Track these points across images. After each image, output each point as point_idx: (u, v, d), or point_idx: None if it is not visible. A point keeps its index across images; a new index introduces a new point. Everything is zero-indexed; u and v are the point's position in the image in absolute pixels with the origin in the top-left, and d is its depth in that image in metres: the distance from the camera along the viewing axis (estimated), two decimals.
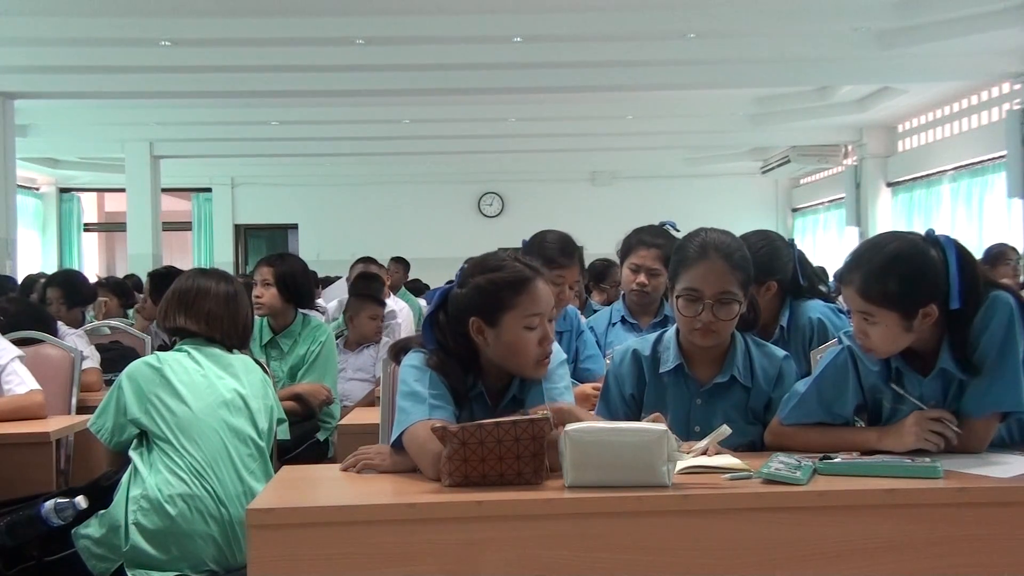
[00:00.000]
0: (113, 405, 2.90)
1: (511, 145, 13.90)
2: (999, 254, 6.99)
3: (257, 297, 4.16)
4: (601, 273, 6.18)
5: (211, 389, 2.92)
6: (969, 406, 2.24)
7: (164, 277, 4.92)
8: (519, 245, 3.39)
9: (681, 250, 2.53)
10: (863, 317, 2.24)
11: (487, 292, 2.28)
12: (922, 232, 2.29)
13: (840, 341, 2.45)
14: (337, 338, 5.19)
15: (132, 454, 2.88)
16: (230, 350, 3.09)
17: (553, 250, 3.35)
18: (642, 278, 3.61)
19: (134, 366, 2.96)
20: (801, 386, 2.41)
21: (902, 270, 2.20)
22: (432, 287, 11.21)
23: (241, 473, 2.87)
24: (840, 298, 2.65)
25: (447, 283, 2.42)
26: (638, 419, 2.50)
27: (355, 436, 3.32)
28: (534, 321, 2.27)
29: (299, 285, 4.31)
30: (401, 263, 9.42)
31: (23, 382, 3.68)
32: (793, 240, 3.38)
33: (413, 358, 2.35)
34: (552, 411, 2.15)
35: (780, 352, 2.55)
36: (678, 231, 3.48)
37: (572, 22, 8.17)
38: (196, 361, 2.97)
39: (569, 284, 3.41)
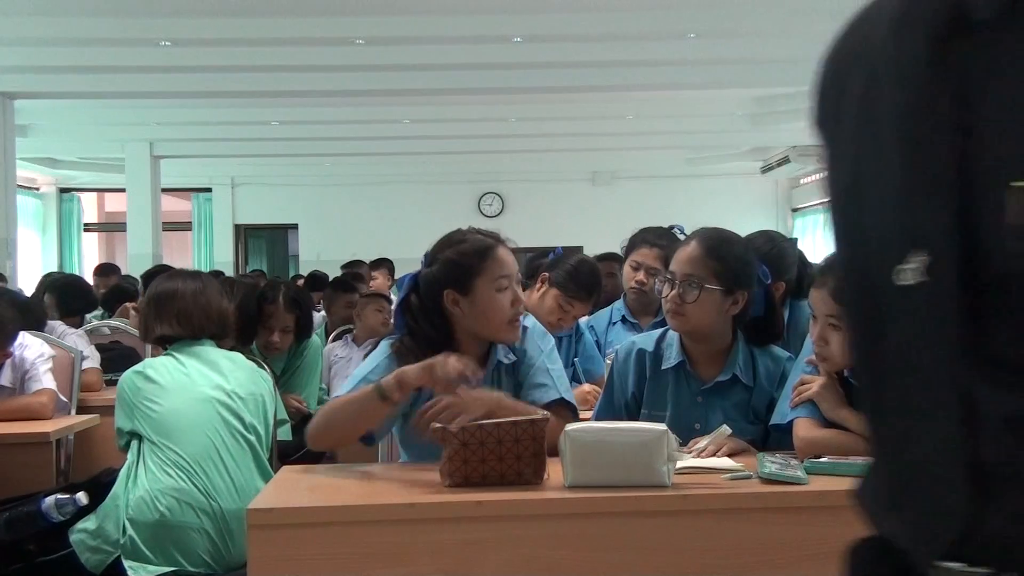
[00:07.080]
0: (117, 416, 2.98)
1: (511, 145, 13.87)
2: None
3: (275, 342, 4.09)
4: None
5: (191, 386, 2.97)
6: None
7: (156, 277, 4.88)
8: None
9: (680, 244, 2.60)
10: (829, 321, 2.25)
11: (456, 264, 2.39)
12: None
13: None
14: (345, 334, 5.20)
15: (127, 453, 2.94)
16: (215, 342, 3.12)
17: (584, 283, 3.46)
18: (641, 276, 3.62)
19: (123, 377, 3.02)
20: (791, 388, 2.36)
21: None
22: None
23: (230, 467, 2.92)
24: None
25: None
26: (638, 416, 2.52)
27: None
28: (503, 283, 2.37)
29: (311, 324, 4.31)
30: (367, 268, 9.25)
31: (38, 381, 3.70)
32: (796, 239, 3.37)
33: (381, 346, 2.44)
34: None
35: (784, 353, 2.54)
36: (685, 235, 3.49)
37: (572, 22, 8.16)
38: (180, 362, 3.02)
39: (574, 315, 3.50)
